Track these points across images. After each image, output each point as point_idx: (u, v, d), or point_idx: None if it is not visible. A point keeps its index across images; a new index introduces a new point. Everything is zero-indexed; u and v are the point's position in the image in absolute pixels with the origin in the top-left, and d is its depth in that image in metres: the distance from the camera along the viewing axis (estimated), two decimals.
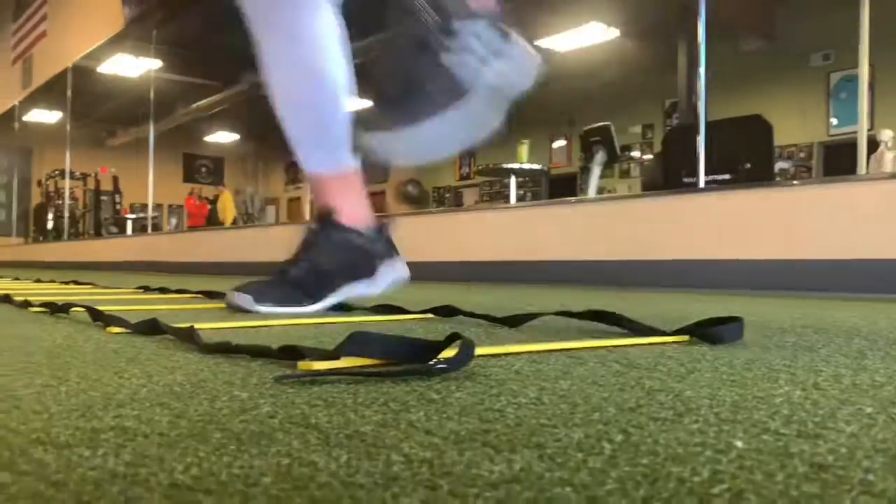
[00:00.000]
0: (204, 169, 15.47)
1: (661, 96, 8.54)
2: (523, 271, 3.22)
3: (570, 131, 9.45)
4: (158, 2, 6.07)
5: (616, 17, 6.58)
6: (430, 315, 1.15)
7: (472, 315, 1.09)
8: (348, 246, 1.22)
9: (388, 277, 1.28)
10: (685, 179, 3.21)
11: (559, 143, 10.28)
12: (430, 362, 0.56)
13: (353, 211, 1.24)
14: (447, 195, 12.35)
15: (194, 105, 10.79)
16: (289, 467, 0.31)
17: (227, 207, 10.81)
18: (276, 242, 5.04)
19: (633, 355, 0.67)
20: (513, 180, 5.10)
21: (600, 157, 4.62)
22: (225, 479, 0.29)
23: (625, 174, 9.36)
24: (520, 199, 9.63)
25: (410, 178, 12.61)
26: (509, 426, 0.39)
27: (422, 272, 3.58)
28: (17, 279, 3.10)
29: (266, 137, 14.55)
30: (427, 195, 12.60)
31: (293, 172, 14.72)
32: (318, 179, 1.25)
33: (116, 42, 7.53)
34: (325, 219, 1.23)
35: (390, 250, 1.28)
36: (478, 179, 11.67)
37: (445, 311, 1.13)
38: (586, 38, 6.93)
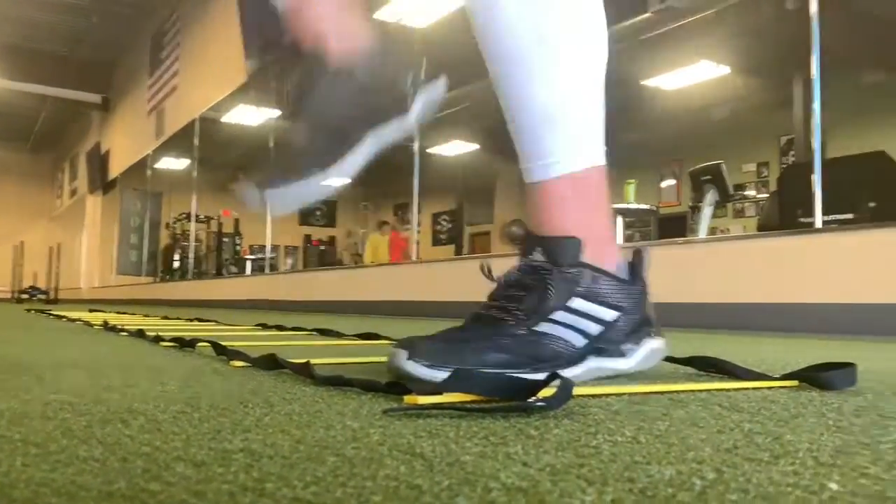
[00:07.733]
0: (318, 212, 16.18)
1: (777, 133, 8.21)
2: None
3: (679, 171, 9.23)
4: (278, 57, 6.47)
5: (726, 54, 6.42)
6: None
7: None
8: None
9: (648, 347, 0.85)
10: (801, 219, 3.07)
11: (668, 183, 10.04)
12: (530, 400, 0.58)
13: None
14: None
15: None
16: (396, 489, 0.34)
17: (373, 250, 10.35)
18: (375, 281, 5.14)
19: (736, 399, 0.67)
20: (619, 221, 5.04)
21: (711, 196, 4.49)
22: (340, 496, 0.33)
23: (739, 214, 9.02)
24: (628, 239, 9.43)
25: (514, 219, 12.64)
26: (604, 461, 0.40)
27: None
28: (146, 316, 3.34)
29: (374, 181, 15.07)
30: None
31: (401, 214, 15.10)
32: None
33: (239, 94, 8.05)
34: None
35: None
36: None
37: None
38: (696, 75, 6.78)
